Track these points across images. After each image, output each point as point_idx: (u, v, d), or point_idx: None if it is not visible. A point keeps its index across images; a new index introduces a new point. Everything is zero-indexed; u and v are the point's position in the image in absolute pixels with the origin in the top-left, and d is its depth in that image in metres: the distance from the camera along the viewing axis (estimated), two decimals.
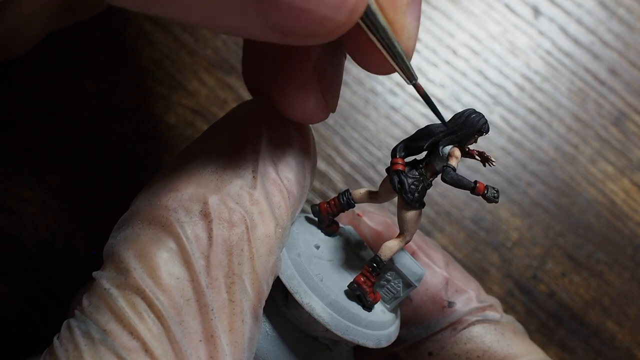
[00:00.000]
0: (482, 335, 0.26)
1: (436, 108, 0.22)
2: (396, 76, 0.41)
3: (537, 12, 0.43)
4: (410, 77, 0.20)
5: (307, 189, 0.22)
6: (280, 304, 0.23)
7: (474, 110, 0.22)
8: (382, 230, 0.27)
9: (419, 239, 0.28)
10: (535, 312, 0.39)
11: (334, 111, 0.22)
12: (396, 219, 0.24)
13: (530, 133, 0.41)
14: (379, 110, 0.40)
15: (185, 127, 0.39)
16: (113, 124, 0.38)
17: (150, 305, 0.18)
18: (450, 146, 0.22)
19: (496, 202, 0.22)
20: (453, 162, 0.22)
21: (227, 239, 0.19)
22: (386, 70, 0.20)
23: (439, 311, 0.27)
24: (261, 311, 0.20)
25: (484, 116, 0.22)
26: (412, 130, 0.41)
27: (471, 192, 0.22)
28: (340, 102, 0.40)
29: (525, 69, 0.42)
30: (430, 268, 0.27)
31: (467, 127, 0.22)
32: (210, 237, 0.19)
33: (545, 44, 0.42)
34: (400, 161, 0.22)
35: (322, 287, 0.22)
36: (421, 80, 0.41)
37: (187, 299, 0.18)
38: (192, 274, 0.18)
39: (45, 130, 0.38)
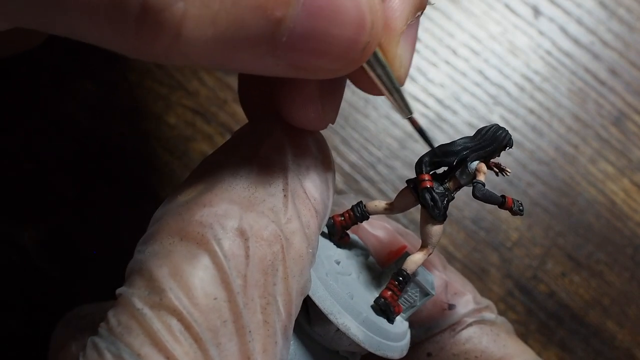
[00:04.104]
0: (479, 336, 0.27)
1: (431, 142, 0.22)
2: None
3: (537, 12, 0.43)
4: (405, 111, 0.20)
5: (329, 209, 0.22)
6: (302, 321, 0.23)
7: (499, 125, 0.23)
8: (381, 235, 0.27)
9: (417, 243, 0.28)
10: (535, 312, 0.39)
11: (333, 123, 0.22)
12: (393, 222, 0.24)
13: (530, 133, 0.41)
14: (379, 110, 0.40)
15: (185, 127, 0.39)
16: (113, 124, 0.38)
17: (188, 328, 0.17)
18: (477, 162, 0.22)
19: (522, 214, 0.23)
20: (481, 178, 0.22)
21: (263, 257, 0.18)
22: (380, 94, 0.20)
23: (439, 313, 0.27)
24: (291, 332, 0.19)
25: (508, 131, 0.23)
26: (412, 131, 0.41)
27: (499, 207, 0.23)
28: None
29: (525, 69, 0.42)
30: (431, 272, 0.27)
31: (495, 142, 0.23)
32: (247, 256, 0.18)
33: (545, 44, 0.42)
34: (427, 177, 0.23)
35: (354, 305, 0.22)
36: (421, 80, 0.41)
37: (224, 321, 0.17)
38: (230, 295, 0.17)
39: (45, 131, 0.38)
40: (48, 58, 0.38)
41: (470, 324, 0.27)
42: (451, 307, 0.27)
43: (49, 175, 0.37)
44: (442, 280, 0.27)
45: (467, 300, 0.27)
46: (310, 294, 0.21)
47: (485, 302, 0.28)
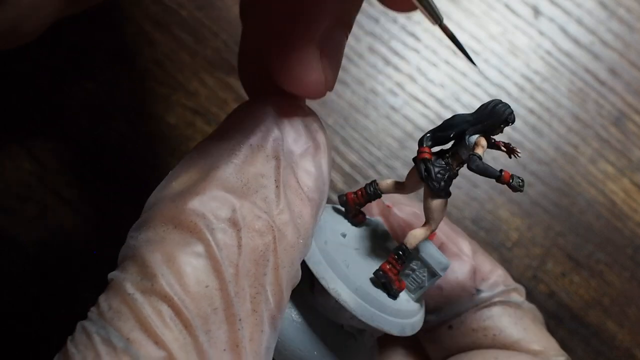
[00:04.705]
0: (500, 315, 0.27)
1: (464, 48, 0.21)
2: (396, 76, 0.41)
3: (537, 12, 0.43)
4: (435, 18, 0.20)
5: (326, 194, 0.22)
6: (306, 291, 0.23)
7: (500, 100, 0.22)
8: (412, 221, 0.27)
9: (447, 228, 0.29)
10: None
11: (331, 89, 0.22)
12: None
13: (530, 133, 0.41)
14: (379, 110, 0.40)
15: (185, 127, 0.39)
16: (113, 124, 0.38)
17: (178, 314, 0.17)
18: (477, 135, 0.22)
19: (521, 191, 0.22)
20: (479, 151, 0.22)
21: (255, 248, 0.19)
22: (410, 7, 0.20)
23: (468, 298, 0.27)
24: (280, 322, 0.19)
25: (510, 107, 0.22)
26: (413, 130, 0.41)
27: (496, 181, 0.22)
28: (340, 102, 0.40)
29: (525, 69, 0.42)
30: (460, 257, 0.27)
31: (494, 117, 0.22)
32: (239, 246, 0.18)
33: (545, 44, 0.42)
34: (426, 150, 0.23)
35: (349, 274, 0.22)
36: (421, 80, 0.41)
37: (214, 308, 0.17)
38: (222, 283, 0.18)
39: (45, 130, 0.38)
40: (48, 58, 0.38)
41: (494, 303, 0.27)
42: (479, 292, 0.27)
43: (49, 175, 0.37)
44: (471, 266, 0.27)
45: (495, 282, 0.28)
46: (306, 259, 0.22)
47: (515, 285, 0.28)
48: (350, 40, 0.41)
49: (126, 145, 0.38)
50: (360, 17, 0.41)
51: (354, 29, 0.41)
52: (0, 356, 0.35)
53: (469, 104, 0.41)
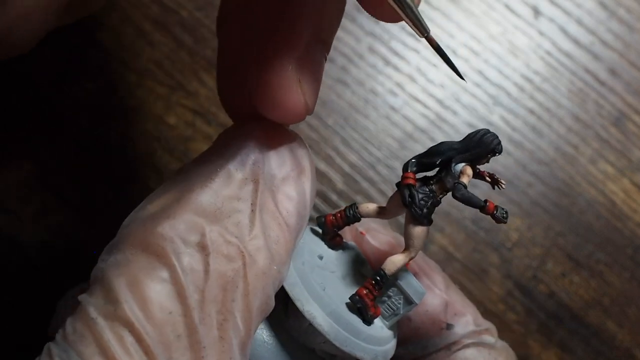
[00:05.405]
0: (475, 358, 0.26)
1: (451, 62, 0.21)
2: (396, 76, 0.41)
3: (537, 12, 0.43)
4: (421, 30, 0.19)
5: (306, 218, 0.22)
6: (280, 313, 0.23)
7: (488, 130, 0.22)
8: (386, 250, 0.27)
9: (420, 260, 0.28)
10: (535, 312, 0.39)
11: (311, 112, 0.22)
12: (400, 237, 0.23)
13: (530, 133, 0.41)
14: (379, 111, 0.40)
15: (185, 127, 0.39)
16: (113, 124, 0.38)
17: (139, 340, 0.17)
18: (463, 164, 0.22)
19: (505, 222, 0.22)
20: (464, 180, 0.22)
21: (223, 274, 0.18)
22: (397, 18, 0.19)
23: (437, 332, 0.27)
24: (249, 348, 0.19)
25: (497, 137, 0.22)
26: (412, 131, 0.41)
27: (480, 211, 0.22)
28: (340, 102, 0.40)
29: (525, 69, 0.42)
30: (431, 290, 0.27)
31: (481, 146, 0.22)
32: (206, 271, 0.18)
33: (545, 44, 0.42)
34: (411, 175, 0.23)
35: (324, 296, 0.22)
36: (421, 81, 0.41)
37: (177, 335, 0.17)
38: (186, 309, 0.17)
39: (45, 130, 0.38)
40: (48, 58, 0.38)
41: (467, 345, 0.27)
42: (449, 327, 0.27)
43: (49, 175, 0.37)
44: (442, 299, 0.27)
45: (466, 321, 0.27)
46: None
47: (486, 324, 0.28)
48: (350, 40, 0.41)
49: (126, 145, 0.38)
50: (360, 17, 0.41)
51: (354, 29, 0.41)
52: (0, 356, 0.35)
53: (468, 104, 0.41)
